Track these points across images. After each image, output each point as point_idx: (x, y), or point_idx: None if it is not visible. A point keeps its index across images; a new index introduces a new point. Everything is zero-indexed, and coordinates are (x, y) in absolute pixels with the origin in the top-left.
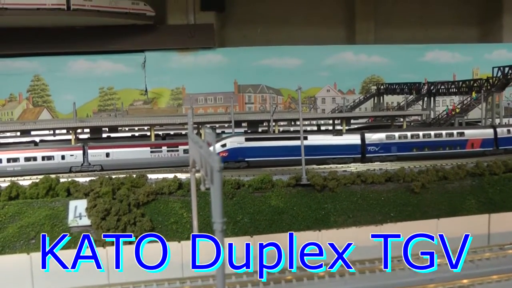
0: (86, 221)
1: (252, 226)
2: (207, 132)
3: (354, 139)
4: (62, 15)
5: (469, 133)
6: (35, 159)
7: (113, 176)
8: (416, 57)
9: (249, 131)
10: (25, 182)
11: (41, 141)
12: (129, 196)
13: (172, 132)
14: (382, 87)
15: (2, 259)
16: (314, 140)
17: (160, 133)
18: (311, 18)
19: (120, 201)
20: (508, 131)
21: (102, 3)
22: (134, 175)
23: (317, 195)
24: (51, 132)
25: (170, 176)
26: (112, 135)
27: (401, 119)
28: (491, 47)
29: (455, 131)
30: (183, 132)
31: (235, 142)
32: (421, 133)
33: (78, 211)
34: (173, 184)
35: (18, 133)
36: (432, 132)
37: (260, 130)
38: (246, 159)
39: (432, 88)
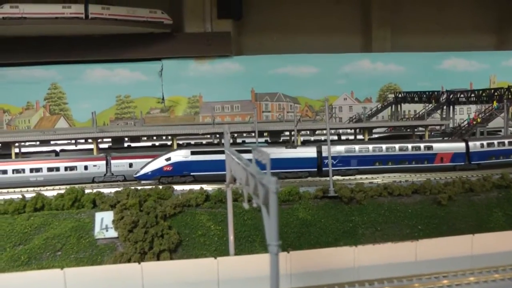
0: (112, 233)
1: (280, 239)
2: (258, 150)
3: (309, 151)
4: (80, 24)
5: (438, 146)
6: (57, 169)
7: (139, 188)
8: (433, 65)
9: (269, 141)
10: (47, 192)
11: (62, 150)
12: (156, 208)
13: (193, 142)
14: (399, 95)
15: (35, 274)
16: None
17: (181, 142)
18: (327, 26)
19: (147, 213)
20: (482, 145)
21: (120, 12)
22: (160, 186)
23: (344, 207)
24: (71, 141)
25: (196, 187)
26: (133, 144)
27: (423, 129)
28: (508, 55)
29: (422, 145)
30: (204, 141)
31: (179, 155)
32: (384, 146)
33: (104, 223)
34: (200, 196)
35: (37, 142)
36: (397, 145)
37: (281, 140)
38: (191, 174)
39: (451, 96)
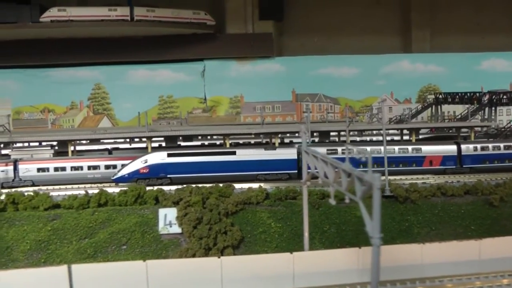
0: (176, 229)
1: (338, 236)
2: (361, 150)
3: (289, 153)
4: (126, 26)
5: (427, 149)
6: (114, 167)
7: (199, 185)
8: (472, 66)
9: (316, 140)
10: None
11: (114, 149)
12: (218, 206)
13: (241, 141)
14: (440, 96)
15: (119, 265)
16: (244, 155)
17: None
18: (367, 27)
19: (210, 210)
20: (475, 148)
21: (164, 14)
22: (221, 184)
23: (399, 206)
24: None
25: (255, 186)
26: (182, 143)
27: (466, 130)
28: None
29: (410, 147)
30: (252, 141)
31: (156, 157)
32: (368, 148)
33: (168, 219)
34: (260, 194)
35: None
36: (381, 148)
37: (327, 140)
38: (168, 176)
39: (493, 98)
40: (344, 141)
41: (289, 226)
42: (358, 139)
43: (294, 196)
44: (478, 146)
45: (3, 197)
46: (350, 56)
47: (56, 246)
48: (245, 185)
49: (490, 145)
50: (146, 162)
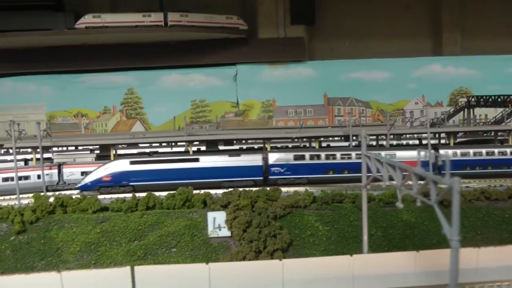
0: (225, 232)
1: (385, 240)
2: (439, 154)
3: (254, 159)
4: (159, 32)
5: (400, 155)
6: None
7: (247, 189)
8: (503, 68)
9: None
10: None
11: (152, 153)
12: (267, 209)
13: (279, 145)
14: (472, 99)
15: (181, 267)
16: (207, 162)
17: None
18: (397, 30)
19: (259, 214)
20: (454, 153)
21: (197, 19)
22: (268, 188)
23: (444, 210)
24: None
25: (301, 189)
26: (221, 148)
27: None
28: None
29: (383, 152)
30: (290, 145)
31: (118, 165)
32: (338, 153)
33: (217, 222)
34: (307, 198)
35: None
36: (353, 153)
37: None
38: (131, 184)
39: None
40: (382, 145)
41: (337, 229)
42: (395, 142)
43: (340, 200)
44: (458, 151)
45: (51, 199)
46: (380, 60)
47: (105, 248)
48: (291, 189)
49: (471, 151)
50: (108, 169)
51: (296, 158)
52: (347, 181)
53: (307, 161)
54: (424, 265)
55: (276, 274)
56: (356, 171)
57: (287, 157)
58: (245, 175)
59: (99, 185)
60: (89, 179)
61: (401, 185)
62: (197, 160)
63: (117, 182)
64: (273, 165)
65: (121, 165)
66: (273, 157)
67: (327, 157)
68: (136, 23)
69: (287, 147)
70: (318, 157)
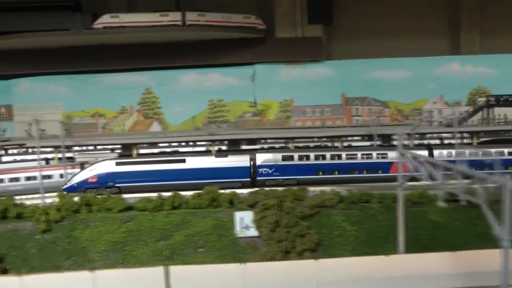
0: (253, 232)
1: (414, 241)
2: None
3: (242, 160)
4: (177, 31)
5: (395, 155)
6: None
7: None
8: None
9: (376, 144)
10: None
11: (174, 152)
12: (295, 209)
13: (300, 145)
14: (491, 98)
15: (215, 267)
16: (194, 163)
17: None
18: (414, 30)
19: (287, 214)
20: (449, 153)
21: (215, 18)
22: (295, 188)
23: (473, 211)
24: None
25: (327, 189)
26: (244, 147)
27: None
28: None
29: (374, 153)
30: (311, 145)
31: (104, 166)
32: (328, 154)
33: (244, 222)
34: (334, 198)
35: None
36: (344, 153)
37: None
38: (116, 185)
39: None
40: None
41: (364, 229)
42: (416, 142)
43: (367, 200)
44: (453, 151)
45: (76, 198)
46: (398, 59)
47: (132, 248)
48: (317, 188)
49: (467, 151)
50: (93, 171)
51: (285, 158)
52: (339, 182)
53: (296, 161)
54: (461, 266)
55: (309, 274)
56: (346, 172)
57: (275, 158)
58: (232, 176)
59: (85, 187)
60: (75, 180)
61: (444, 183)
62: (183, 161)
63: (103, 183)
64: (261, 166)
65: (107, 166)
66: (261, 158)
67: (316, 157)
68: (154, 23)
69: (307, 146)
70: (308, 157)
